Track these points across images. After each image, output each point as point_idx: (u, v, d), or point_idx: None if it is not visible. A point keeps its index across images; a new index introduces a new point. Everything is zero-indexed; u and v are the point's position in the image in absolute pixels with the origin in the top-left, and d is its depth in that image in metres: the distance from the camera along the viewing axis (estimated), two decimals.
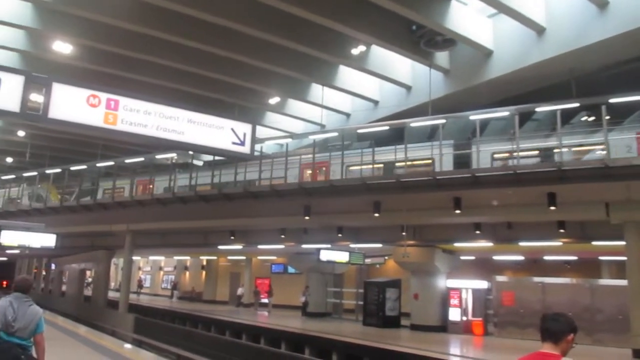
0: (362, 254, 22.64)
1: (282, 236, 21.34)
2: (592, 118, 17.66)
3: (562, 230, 15.61)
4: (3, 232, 14.88)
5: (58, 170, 26.31)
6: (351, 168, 18.42)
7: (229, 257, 35.31)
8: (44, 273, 43.77)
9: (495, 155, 16.60)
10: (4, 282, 30.12)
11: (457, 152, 16.97)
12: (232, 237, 23.04)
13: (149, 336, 18.77)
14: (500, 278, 19.34)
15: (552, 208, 13.58)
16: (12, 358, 4.78)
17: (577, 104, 15.08)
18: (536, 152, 16.21)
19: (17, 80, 5.20)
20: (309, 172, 19.84)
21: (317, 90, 22.88)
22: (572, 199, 13.81)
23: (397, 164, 17.04)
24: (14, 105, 5.14)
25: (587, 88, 16.41)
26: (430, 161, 16.87)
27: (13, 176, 29.84)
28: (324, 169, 19.45)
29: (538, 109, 16.33)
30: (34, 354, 5.11)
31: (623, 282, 14.56)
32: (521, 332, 16.94)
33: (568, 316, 3.10)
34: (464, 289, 19.27)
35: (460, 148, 17.10)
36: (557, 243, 17.25)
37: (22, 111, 5.19)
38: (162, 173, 23.82)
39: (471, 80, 19.12)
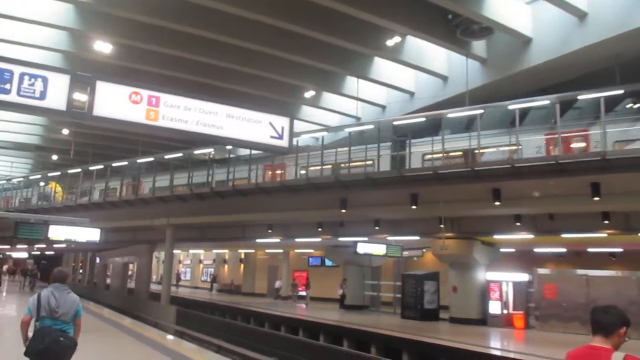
0: (399, 246, 22.51)
1: (319, 229, 21.43)
2: (637, 105, 17.06)
3: (606, 222, 15.17)
4: (51, 227, 15.38)
5: (100, 166, 27.05)
6: (310, 169, 19.44)
7: (267, 250, 35.69)
8: (82, 266, 45.36)
9: (427, 157, 17.41)
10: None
11: (393, 154, 17.90)
12: (270, 231, 23.26)
13: (190, 328, 19.19)
14: (542, 270, 18.94)
15: (596, 198, 13.21)
16: (54, 339, 5.36)
17: (621, 91, 14.58)
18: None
19: (63, 80, 5.36)
20: (270, 172, 21.43)
21: (352, 83, 22.79)
22: (617, 189, 13.41)
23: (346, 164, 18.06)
24: (60, 104, 5.31)
25: (632, 74, 15.84)
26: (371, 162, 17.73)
27: (58, 173, 30.84)
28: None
29: (580, 97, 15.87)
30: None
31: None
32: (564, 325, 16.59)
33: (619, 309, 3.02)
34: (504, 282, 18.96)
35: (396, 150, 18.07)
36: (601, 234, 16.78)
37: (69, 109, 5.34)
38: (200, 168, 24.24)
39: (510, 68, 18.69)
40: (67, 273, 6.07)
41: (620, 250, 21.58)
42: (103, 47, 19.39)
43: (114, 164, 26.66)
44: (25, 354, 5.35)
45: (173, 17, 17.41)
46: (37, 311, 5.45)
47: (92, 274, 42.90)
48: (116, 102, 5.56)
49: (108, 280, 39.79)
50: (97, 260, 41.03)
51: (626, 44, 15.66)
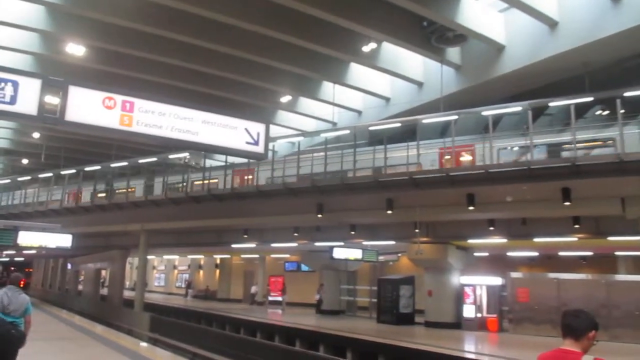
0: (375, 251, 22.60)
1: (296, 234, 21.39)
2: (606, 112, 17.50)
3: (577, 226, 15.48)
4: (20, 233, 15.05)
5: (72, 171, 26.58)
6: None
7: (243, 256, 35.45)
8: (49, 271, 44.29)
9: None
10: (22, 281, 30.56)
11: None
12: (246, 236, 23.13)
13: (164, 334, 18.92)
14: (515, 274, 19.20)
15: (567, 203, 13.47)
16: (7, 330, 6.21)
17: (591, 98, 14.96)
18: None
19: (34, 84, 5.27)
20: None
21: (328, 88, 22.88)
22: (587, 194, 13.69)
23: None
24: (31, 109, 5.21)
25: (601, 82, 16.28)
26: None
27: (29, 177, 30.19)
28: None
29: (551, 104, 16.25)
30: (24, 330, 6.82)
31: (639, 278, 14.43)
32: (536, 328, 16.83)
33: (589, 313, 3.09)
34: (478, 286, 19.17)
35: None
36: (572, 239, 17.11)
37: (40, 114, 5.26)
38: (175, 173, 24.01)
39: (483, 75, 19.00)
40: (20, 277, 7.38)
41: (590, 253, 22.02)
42: (76, 49, 19.09)
43: (87, 169, 26.20)
44: None
45: (147, 20, 17.25)
46: None
47: (63, 281, 41.98)
48: (89, 107, 5.48)
49: (80, 287, 39.02)
50: (69, 266, 40.18)
51: (595, 52, 16.10)
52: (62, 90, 5.39)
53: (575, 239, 17.00)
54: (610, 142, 15.24)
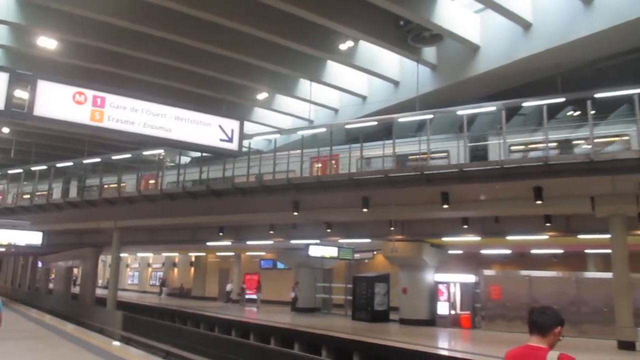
0: (351, 249, 22.67)
1: (271, 232, 21.33)
2: (577, 113, 17.85)
3: (548, 224, 15.78)
4: None
5: (44, 167, 26.03)
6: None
7: (218, 254, 35.24)
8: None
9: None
10: None
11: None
12: (221, 234, 22.97)
13: (137, 333, 18.68)
14: (488, 272, 19.48)
15: (539, 202, 13.71)
16: None
17: (563, 99, 15.23)
18: None
19: (2, 78, 5.14)
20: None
21: (305, 86, 22.84)
22: (558, 193, 13.96)
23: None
24: None
25: (573, 83, 16.58)
26: None
27: None
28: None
29: (524, 104, 16.50)
30: None
31: (608, 275, 14.75)
32: (508, 325, 17.11)
33: (555, 309, 3.14)
34: (452, 283, 19.39)
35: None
36: (543, 237, 17.42)
37: (7, 109, 5.13)
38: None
39: (459, 75, 19.18)
40: None
41: (561, 251, 22.46)
42: (47, 43, 18.68)
43: (58, 165, 25.68)
44: None
45: (122, 15, 16.99)
46: None
47: (33, 279, 41.11)
48: (59, 102, 5.36)
49: (51, 285, 38.31)
50: (39, 264, 39.35)
51: (568, 54, 16.40)
52: (30, 85, 5.27)
53: (547, 237, 17.32)
54: (445, 154, 16.73)
